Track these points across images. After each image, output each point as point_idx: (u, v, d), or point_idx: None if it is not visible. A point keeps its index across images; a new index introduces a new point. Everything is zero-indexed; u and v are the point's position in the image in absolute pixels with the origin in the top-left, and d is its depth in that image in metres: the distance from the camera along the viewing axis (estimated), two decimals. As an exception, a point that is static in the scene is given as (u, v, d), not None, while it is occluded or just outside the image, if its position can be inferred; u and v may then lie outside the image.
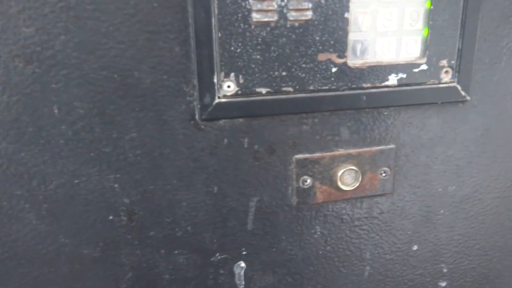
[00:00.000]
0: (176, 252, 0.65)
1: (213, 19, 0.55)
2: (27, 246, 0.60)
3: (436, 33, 0.61)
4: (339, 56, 0.59)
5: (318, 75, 0.60)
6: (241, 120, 0.61)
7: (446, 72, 0.63)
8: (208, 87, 0.58)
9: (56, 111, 0.56)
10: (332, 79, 0.60)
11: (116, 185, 0.60)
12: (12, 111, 0.55)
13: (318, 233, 0.69)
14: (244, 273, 0.69)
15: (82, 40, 0.54)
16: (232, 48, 0.56)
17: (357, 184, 0.66)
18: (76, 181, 0.59)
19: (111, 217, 0.62)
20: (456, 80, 0.64)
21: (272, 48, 0.57)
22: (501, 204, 0.76)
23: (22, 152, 0.56)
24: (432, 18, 0.60)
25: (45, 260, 0.62)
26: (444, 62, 0.63)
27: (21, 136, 0.56)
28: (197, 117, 0.59)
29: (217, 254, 0.67)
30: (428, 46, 0.62)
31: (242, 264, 0.68)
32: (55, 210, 0.60)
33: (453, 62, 0.63)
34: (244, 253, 0.68)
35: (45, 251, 0.61)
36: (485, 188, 0.74)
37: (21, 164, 0.57)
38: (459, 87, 0.65)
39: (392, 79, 0.62)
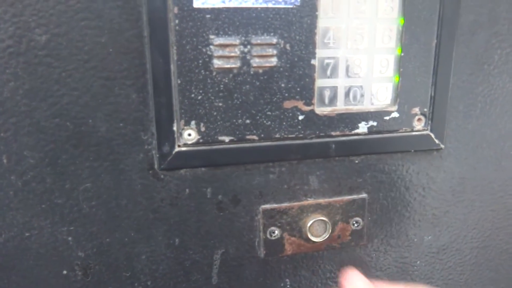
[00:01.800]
0: (135, 307, 0.61)
1: (172, 65, 0.52)
2: (-26, 302, 0.56)
3: (408, 80, 0.59)
4: (306, 104, 0.57)
5: (284, 123, 0.57)
6: (203, 169, 0.58)
7: (419, 120, 0.61)
8: (167, 135, 0.55)
9: (5, 160, 0.52)
10: (299, 127, 0.58)
11: (69, 238, 0.57)
12: (-43, 160, 0.51)
13: (288, 286, 0.66)
14: (209, 329, 0.65)
15: (33, 87, 0.51)
16: (193, 95, 0.54)
17: (328, 235, 0.63)
18: (27, 234, 0.56)
19: (65, 272, 0.58)
20: (429, 128, 0.62)
21: (235, 95, 0.55)
22: (480, 255, 0.73)
23: (-32, 203, 0.53)
24: (402, 65, 0.58)
25: (-7, 318, 0.58)
26: (416, 110, 0.60)
27: (-33, 186, 0.53)
28: (156, 166, 0.56)
29: (180, 310, 0.63)
30: (399, 94, 0.59)
31: (207, 320, 0.64)
32: (5, 265, 0.56)
33: (425, 109, 0.61)
34: (209, 308, 0.64)
35: (-7, 308, 0.57)
36: (463, 238, 0.71)
37: (-33, 216, 0.54)
38: (432, 135, 0.62)
39: (363, 127, 0.59)
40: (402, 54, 0.58)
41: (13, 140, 0.52)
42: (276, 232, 0.62)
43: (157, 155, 0.55)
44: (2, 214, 0.54)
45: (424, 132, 0.62)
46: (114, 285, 0.60)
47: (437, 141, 0.63)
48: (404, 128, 0.61)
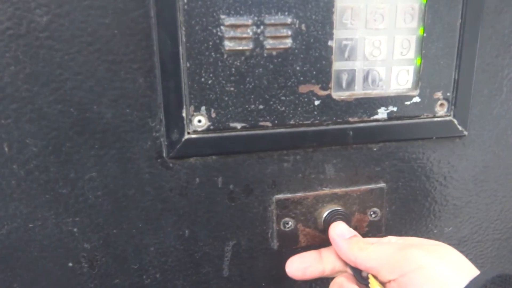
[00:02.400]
0: (144, 301, 0.59)
1: (180, 47, 0.49)
2: (-22, 295, 0.55)
3: (430, 62, 0.56)
4: (323, 88, 0.54)
5: (299, 109, 0.54)
6: (214, 157, 0.55)
7: (441, 105, 0.58)
8: (176, 122, 0.52)
9: (6, 149, 0.50)
10: (315, 112, 0.55)
11: (75, 229, 0.55)
12: (-43, 149, 0.49)
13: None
14: (220, 323, 0.62)
15: (34, 71, 0.48)
16: (203, 79, 0.51)
17: (344, 226, 0.60)
18: (30, 225, 0.53)
19: (70, 264, 0.56)
20: (452, 113, 0.59)
21: (248, 79, 0.52)
22: (502, 247, 0.70)
23: (-31, 194, 0.51)
24: (425, 46, 0.55)
25: (-3, 311, 0.56)
26: (439, 94, 0.57)
27: (-33, 176, 0.50)
28: (164, 154, 0.54)
29: (190, 303, 0.61)
30: (421, 77, 0.56)
31: (218, 314, 0.62)
32: (8, 257, 0.54)
33: (448, 94, 0.57)
34: (220, 301, 0.62)
35: (-3, 302, 0.55)
36: (484, 229, 0.68)
37: (-31, 207, 0.51)
38: (455, 121, 0.59)
39: (382, 113, 0.56)
40: (425, 35, 0.54)
41: (15, 128, 0.50)
42: (290, 223, 0.59)
43: (166, 143, 0.53)
44: (4, 205, 0.52)
45: (447, 118, 0.59)
46: (122, 278, 0.58)
47: (460, 128, 0.59)
48: (425, 114, 0.58)
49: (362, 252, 0.49)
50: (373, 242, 0.51)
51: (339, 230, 0.54)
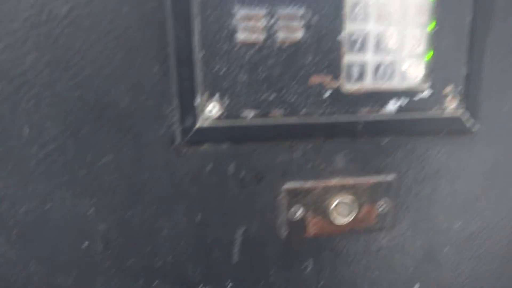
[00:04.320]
0: (155, 283, 0.61)
1: (194, 37, 0.51)
2: (-3, 272, 0.57)
3: (441, 57, 0.56)
4: (333, 80, 0.55)
5: (310, 99, 0.55)
6: (226, 145, 0.57)
7: (452, 99, 0.58)
8: (189, 110, 0.54)
9: (26, 131, 0.52)
10: (326, 104, 0.56)
11: (91, 211, 0.57)
12: (-20, 130, 0.51)
13: (310, 268, 0.64)
14: (229, 308, 0.64)
15: (54, 57, 0.50)
16: (216, 68, 0.52)
17: (353, 217, 0.61)
18: (48, 206, 0.56)
19: (85, 244, 0.58)
20: (462, 108, 0.59)
21: (260, 69, 0.53)
22: (512, 243, 0.70)
23: (-9, 174, 0.53)
24: (435, 40, 0.55)
25: (15, 287, 0.58)
26: (449, 89, 0.58)
27: (-11, 157, 0.53)
28: (178, 141, 0.55)
29: (200, 287, 0.62)
30: (432, 71, 0.56)
31: (227, 298, 0.64)
32: (26, 236, 0.56)
33: (459, 89, 0.58)
34: (229, 286, 0.63)
35: (16, 278, 0.58)
36: (494, 225, 0.68)
37: (-10, 187, 0.54)
38: (465, 116, 0.59)
39: (391, 106, 0.57)
40: (436, 29, 0.55)
41: (35, 111, 0.52)
42: (299, 212, 0.61)
43: (179, 130, 0.54)
44: (23, 186, 0.54)
45: (457, 113, 0.59)
46: (135, 259, 0.60)
47: (470, 123, 0.60)
48: (435, 108, 0.58)
49: None
50: None
51: None
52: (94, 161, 0.55)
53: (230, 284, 0.63)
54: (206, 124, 0.54)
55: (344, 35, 0.53)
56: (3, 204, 0.54)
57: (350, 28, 0.54)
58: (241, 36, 0.51)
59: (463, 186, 0.64)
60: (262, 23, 0.51)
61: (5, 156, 0.53)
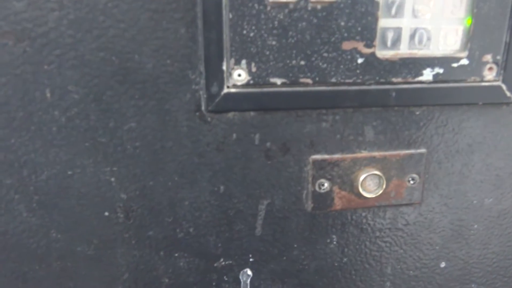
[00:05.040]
0: (176, 254, 0.60)
1: (223, -2, 0.49)
2: (17, 239, 0.56)
3: (481, 23, 0.53)
4: (367, 46, 0.52)
5: (341, 66, 0.53)
6: (252, 113, 0.55)
7: (490, 68, 0.55)
8: (216, 75, 0.51)
9: (48, 95, 0.51)
10: (358, 71, 0.53)
11: (112, 179, 0.55)
12: (1, 93, 0.50)
13: (335, 242, 0.63)
14: (251, 281, 0.62)
15: (78, 17, 0.48)
16: (245, 31, 0.50)
17: (381, 191, 0.59)
18: (69, 173, 0.54)
19: (106, 213, 0.57)
20: (501, 78, 0.56)
21: (290, 33, 0.51)
22: (545, 222, 0.68)
23: (12, 138, 0.52)
24: (476, 5, 0.52)
25: (35, 255, 0.57)
26: (488, 57, 0.55)
27: (10, 121, 0.51)
28: (203, 108, 0.53)
29: (221, 260, 0.61)
30: (471, 38, 0.54)
31: (249, 272, 0.62)
32: (47, 203, 0.55)
33: (498, 57, 0.55)
34: (251, 260, 0.62)
35: (36, 246, 0.57)
36: (527, 202, 0.66)
37: (11, 152, 0.52)
38: (504, 87, 0.57)
39: (427, 75, 0.55)
40: (477, -7, 0.52)
41: (57, 74, 0.50)
42: (326, 185, 0.59)
43: (205, 96, 0.52)
44: (45, 151, 0.53)
45: (495, 83, 0.56)
46: (156, 230, 0.58)
47: (508, 94, 0.57)
48: (473, 78, 0.56)
49: None
50: None
51: None
52: (117, 128, 0.53)
53: (252, 258, 0.62)
54: (233, 90, 0.52)
55: (380, -2, 0.51)
56: (25, 170, 0.53)
57: (386, -10, 0.51)
58: (272, -3, 0.49)
59: (496, 161, 0.62)
60: (294, -17, 0.49)
61: (27, 121, 0.51)
